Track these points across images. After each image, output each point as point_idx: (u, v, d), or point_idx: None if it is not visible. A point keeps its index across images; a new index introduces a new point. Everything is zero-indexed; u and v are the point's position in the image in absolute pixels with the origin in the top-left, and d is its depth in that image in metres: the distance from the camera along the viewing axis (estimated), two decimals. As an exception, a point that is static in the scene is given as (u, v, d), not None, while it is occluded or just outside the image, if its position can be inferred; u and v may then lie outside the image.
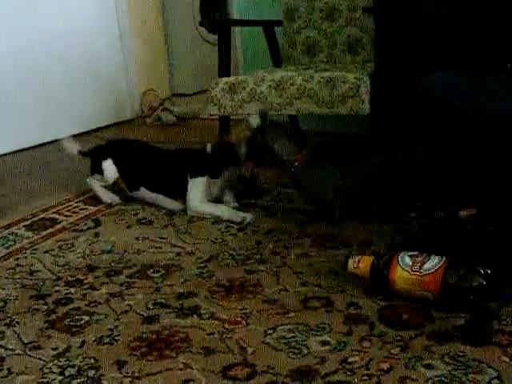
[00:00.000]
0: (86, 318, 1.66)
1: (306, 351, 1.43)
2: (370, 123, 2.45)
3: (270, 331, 1.52)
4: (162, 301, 1.73)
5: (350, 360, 1.38)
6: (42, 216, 2.54)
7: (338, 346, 1.44)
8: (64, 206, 2.66)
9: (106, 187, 2.63)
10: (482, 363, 1.33)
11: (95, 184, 2.64)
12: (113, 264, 2.01)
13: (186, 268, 1.94)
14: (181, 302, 1.71)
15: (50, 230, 2.38)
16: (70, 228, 2.38)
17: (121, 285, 1.85)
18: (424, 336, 1.45)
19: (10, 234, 2.36)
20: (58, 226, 2.41)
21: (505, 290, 1.54)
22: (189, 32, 5.50)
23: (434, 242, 1.84)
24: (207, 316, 1.62)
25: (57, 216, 2.53)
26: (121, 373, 1.39)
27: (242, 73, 3.69)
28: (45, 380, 1.39)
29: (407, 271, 1.59)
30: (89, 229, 2.36)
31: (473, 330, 1.42)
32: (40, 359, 1.47)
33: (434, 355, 1.37)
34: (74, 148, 2.75)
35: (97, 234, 2.29)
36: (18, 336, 1.59)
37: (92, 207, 2.60)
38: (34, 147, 3.95)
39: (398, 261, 1.62)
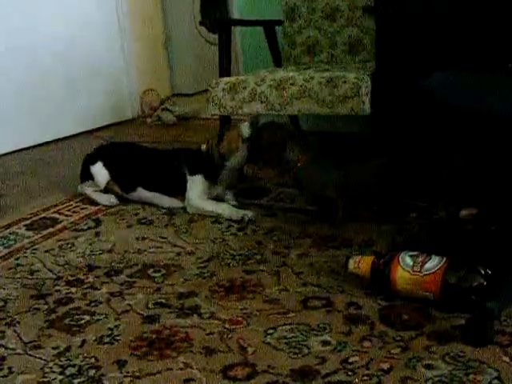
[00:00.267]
0: (87, 317, 1.66)
1: (306, 351, 1.43)
2: (370, 123, 2.45)
3: (270, 331, 1.52)
4: (163, 300, 1.73)
5: (351, 360, 1.38)
6: (42, 215, 2.54)
7: (338, 346, 1.44)
8: (64, 205, 2.66)
9: (100, 191, 2.63)
10: (482, 363, 1.33)
11: (88, 190, 2.64)
12: (113, 264, 2.01)
13: (186, 268, 1.94)
14: (181, 301, 1.71)
15: (51, 229, 2.38)
16: (70, 227, 2.38)
17: (121, 284, 1.85)
18: (424, 336, 1.45)
19: (10, 233, 2.36)
20: (59, 226, 2.41)
21: (506, 291, 1.54)
22: (189, 32, 5.50)
23: (434, 242, 1.84)
24: (208, 316, 1.62)
25: (57, 215, 2.53)
26: (121, 372, 1.39)
27: (242, 73, 3.69)
28: (45, 379, 1.39)
29: (408, 271, 1.59)
30: (89, 228, 2.36)
31: (473, 331, 1.42)
32: (40, 359, 1.47)
33: (434, 355, 1.37)
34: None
35: (97, 234, 2.29)
36: (19, 335, 1.59)
37: (92, 207, 2.60)
38: (35, 147, 3.95)
39: (398, 261, 1.62)
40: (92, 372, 1.40)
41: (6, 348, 1.53)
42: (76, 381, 1.38)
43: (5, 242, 2.27)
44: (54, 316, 1.68)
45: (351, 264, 1.71)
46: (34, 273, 1.98)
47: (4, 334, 1.60)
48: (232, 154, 2.41)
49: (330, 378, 1.32)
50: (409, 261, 1.61)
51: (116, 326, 1.60)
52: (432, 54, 2.14)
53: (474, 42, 2.06)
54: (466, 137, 1.92)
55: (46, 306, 1.74)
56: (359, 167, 2.16)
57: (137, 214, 2.48)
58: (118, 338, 1.54)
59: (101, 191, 2.62)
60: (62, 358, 1.47)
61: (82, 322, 1.64)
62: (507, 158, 1.84)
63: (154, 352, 1.47)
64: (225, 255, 2.01)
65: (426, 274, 1.57)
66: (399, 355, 1.38)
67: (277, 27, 3.21)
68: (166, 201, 2.50)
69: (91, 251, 2.13)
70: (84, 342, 1.54)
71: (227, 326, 1.57)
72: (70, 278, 1.92)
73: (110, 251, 2.12)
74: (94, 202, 2.62)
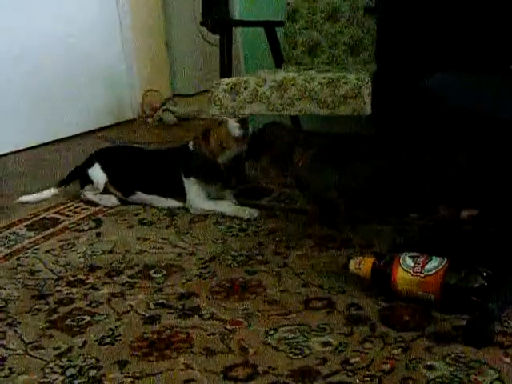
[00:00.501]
0: (88, 318, 1.66)
1: (307, 352, 1.43)
2: (371, 124, 2.45)
3: (271, 332, 1.52)
4: (164, 301, 1.73)
5: (352, 361, 1.38)
6: (43, 216, 2.54)
7: (339, 347, 1.44)
8: (65, 205, 2.66)
9: (100, 193, 2.64)
10: (483, 364, 1.33)
11: (89, 194, 2.65)
12: (114, 264, 2.01)
13: (187, 268, 1.94)
14: (182, 302, 1.71)
15: (52, 229, 2.38)
16: (71, 228, 2.38)
17: (122, 285, 1.85)
18: (425, 337, 1.45)
19: (11, 233, 2.36)
20: (60, 226, 2.41)
21: (506, 291, 1.54)
22: (190, 32, 5.50)
23: (435, 243, 1.84)
24: (208, 316, 1.62)
25: (58, 216, 2.53)
26: (122, 373, 1.39)
27: (243, 73, 3.69)
28: (46, 380, 1.39)
29: (409, 272, 1.59)
30: (90, 229, 2.36)
31: (474, 331, 1.42)
32: (41, 359, 1.47)
33: (435, 356, 1.38)
34: (45, 194, 2.75)
35: (98, 234, 2.29)
36: (20, 336, 1.59)
37: (93, 207, 2.60)
38: (36, 147, 3.95)
39: (399, 262, 1.62)
40: (93, 372, 1.40)
41: (7, 348, 1.53)
42: (77, 381, 1.38)
43: (6, 242, 2.27)
44: (54, 316, 1.68)
45: (352, 265, 1.71)
46: (35, 273, 1.98)
47: (5, 334, 1.60)
48: (221, 152, 2.42)
49: (331, 378, 1.32)
50: (409, 262, 1.61)
51: (117, 327, 1.60)
52: (433, 54, 2.14)
53: (474, 43, 2.06)
54: (466, 138, 1.92)
55: (46, 307, 1.74)
56: (360, 168, 2.15)
57: (138, 215, 2.48)
58: (118, 338, 1.54)
59: (100, 193, 2.63)
60: (62, 359, 1.47)
61: (83, 322, 1.64)
62: (507, 159, 1.84)
63: (154, 353, 1.47)
64: (226, 256, 2.01)
65: (427, 275, 1.57)
66: (400, 356, 1.39)
67: (277, 28, 3.21)
68: (166, 202, 2.51)
69: (92, 252, 2.13)
70: (85, 342, 1.54)
71: (228, 326, 1.57)
72: (70, 278, 1.93)
73: (110, 252, 2.12)
74: (94, 203, 2.62)
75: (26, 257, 2.12)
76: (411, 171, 2.04)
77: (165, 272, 1.92)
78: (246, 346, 1.47)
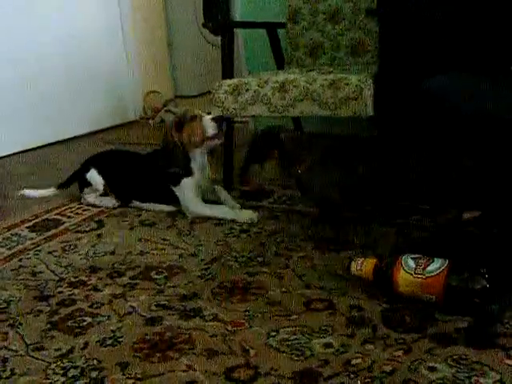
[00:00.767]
0: (89, 319, 1.66)
1: (308, 353, 1.43)
2: (373, 125, 2.45)
3: (272, 333, 1.52)
4: (165, 302, 1.73)
5: (353, 362, 1.38)
6: (45, 217, 2.54)
7: (340, 349, 1.44)
8: (67, 207, 2.66)
9: (100, 195, 2.65)
10: (484, 366, 1.33)
11: (89, 197, 2.66)
12: (116, 265, 2.01)
13: (188, 270, 1.94)
14: (184, 303, 1.71)
15: (53, 231, 2.38)
16: (72, 229, 2.39)
17: (124, 286, 1.85)
18: (427, 338, 1.45)
19: (12, 235, 2.37)
20: (61, 227, 2.41)
21: (509, 293, 1.54)
22: (192, 34, 5.52)
23: (437, 244, 1.84)
24: (210, 318, 1.62)
25: (60, 217, 2.54)
26: (124, 374, 1.39)
27: (245, 75, 3.69)
28: (48, 381, 1.39)
29: (410, 274, 1.59)
30: (92, 230, 2.36)
31: (476, 333, 1.42)
32: (43, 360, 1.47)
33: (437, 358, 1.37)
34: (43, 192, 2.80)
35: (100, 236, 2.30)
36: (21, 337, 1.59)
37: (95, 209, 2.61)
38: (38, 148, 3.96)
39: (401, 263, 1.62)
40: (94, 374, 1.40)
41: (9, 349, 1.53)
42: (78, 383, 1.38)
43: (7, 243, 2.27)
44: (56, 318, 1.68)
45: (354, 266, 1.71)
46: (37, 274, 1.98)
47: (6, 335, 1.60)
48: (191, 146, 2.42)
49: (333, 380, 1.32)
50: (411, 263, 1.61)
51: (118, 328, 1.60)
52: (435, 56, 2.13)
53: (476, 44, 2.06)
54: (468, 139, 1.91)
55: (48, 308, 1.74)
56: (362, 169, 2.15)
57: (139, 216, 2.48)
58: (120, 339, 1.54)
59: (100, 195, 2.64)
60: (64, 360, 1.47)
61: (85, 323, 1.64)
62: (509, 160, 1.84)
63: (156, 354, 1.47)
64: (227, 257, 2.02)
65: (429, 277, 1.57)
66: (402, 358, 1.38)
67: (279, 29, 3.21)
68: (162, 207, 2.53)
69: (94, 253, 2.13)
70: (86, 343, 1.54)
71: (230, 328, 1.57)
72: (72, 279, 1.93)
73: (112, 253, 2.12)
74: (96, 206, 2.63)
75: (28, 258, 2.12)
76: (413, 173, 2.04)
77: (166, 273, 1.92)
78: (248, 348, 1.47)
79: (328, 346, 1.45)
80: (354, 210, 2.22)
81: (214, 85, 2.60)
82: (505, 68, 1.96)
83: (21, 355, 1.50)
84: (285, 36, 3.23)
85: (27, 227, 2.44)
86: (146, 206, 2.56)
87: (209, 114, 2.45)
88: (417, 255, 1.64)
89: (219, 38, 3.00)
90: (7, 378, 1.41)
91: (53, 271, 2.00)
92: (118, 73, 4.60)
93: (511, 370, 1.31)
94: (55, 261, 2.08)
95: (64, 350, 1.51)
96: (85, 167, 2.68)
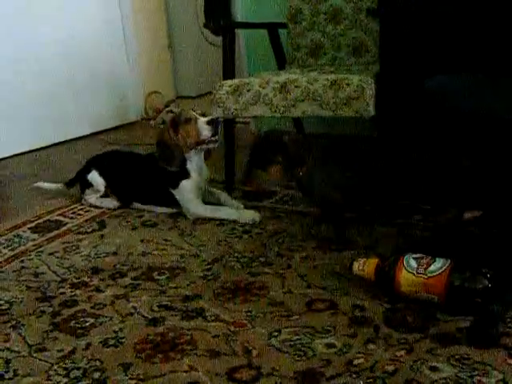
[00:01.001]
0: (91, 320, 1.66)
1: (311, 354, 1.43)
2: (374, 125, 2.45)
3: (275, 333, 1.52)
4: (167, 303, 1.73)
5: (355, 362, 1.38)
6: (47, 218, 2.55)
7: (343, 349, 1.44)
8: (69, 208, 2.66)
9: (101, 196, 2.66)
10: (487, 366, 1.33)
11: (90, 198, 2.67)
12: (118, 266, 2.01)
13: (190, 270, 1.94)
14: (186, 304, 1.71)
15: (55, 232, 2.38)
16: (74, 230, 2.39)
17: (126, 287, 1.85)
18: (429, 338, 1.45)
19: (15, 236, 2.37)
20: (63, 228, 2.42)
21: (511, 293, 1.54)
22: (193, 34, 5.52)
23: (438, 244, 1.84)
24: (212, 318, 1.62)
25: (62, 218, 2.54)
26: (126, 375, 1.40)
27: (246, 75, 3.69)
28: (50, 382, 1.39)
29: (412, 273, 1.59)
30: (94, 231, 2.36)
31: (478, 333, 1.42)
32: (45, 361, 1.48)
33: (439, 358, 1.37)
34: (51, 185, 2.85)
35: (102, 236, 2.30)
36: (24, 338, 1.59)
37: (97, 210, 2.61)
38: (39, 149, 3.96)
39: (403, 263, 1.62)
40: (97, 375, 1.41)
41: (11, 351, 1.53)
42: (81, 383, 1.38)
43: (9, 244, 2.28)
44: (58, 319, 1.68)
45: (356, 266, 1.71)
46: (39, 275, 1.98)
47: (9, 336, 1.60)
48: (189, 149, 2.41)
49: (335, 380, 1.32)
50: (413, 263, 1.61)
51: (120, 329, 1.60)
52: (436, 56, 2.13)
53: (476, 44, 2.06)
54: (469, 139, 1.92)
55: (50, 309, 1.74)
56: (363, 169, 2.15)
57: (141, 217, 2.48)
58: (122, 340, 1.54)
59: (101, 196, 2.65)
60: (66, 361, 1.47)
61: (87, 324, 1.64)
62: (509, 160, 1.84)
63: (158, 355, 1.47)
64: (229, 258, 2.02)
65: (431, 277, 1.57)
66: (404, 357, 1.38)
67: (280, 30, 3.21)
68: (163, 209, 2.53)
69: (96, 254, 2.13)
70: (89, 344, 1.54)
71: (232, 328, 1.57)
72: (74, 280, 1.93)
73: (114, 254, 2.12)
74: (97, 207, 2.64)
75: (30, 259, 2.12)
76: (414, 172, 2.04)
77: (168, 274, 1.93)
78: (250, 348, 1.47)
79: (330, 346, 1.46)
80: (355, 210, 2.22)
81: (215, 85, 2.60)
82: (505, 68, 1.96)
83: (23, 356, 1.51)
84: (286, 36, 3.23)
85: (29, 228, 2.44)
86: (147, 207, 2.56)
87: (203, 115, 2.43)
88: (418, 255, 1.64)
89: (220, 39, 3.00)
90: (10, 378, 1.42)
91: (55, 272, 2.00)
92: (119, 73, 4.60)
93: (513, 370, 1.31)
94: (57, 262, 2.08)
95: (66, 351, 1.51)
96: (86, 168, 2.69)
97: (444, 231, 1.99)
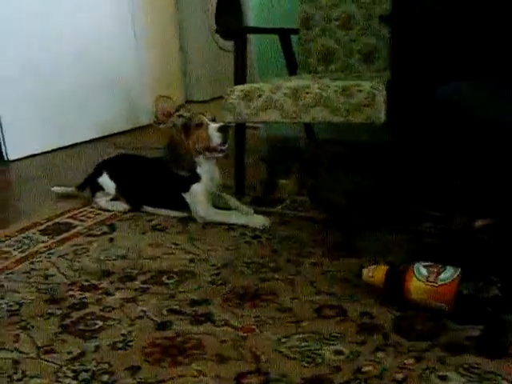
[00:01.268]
0: (100, 322, 1.67)
1: (319, 360, 1.42)
2: (385, 132, 2.45)
3: (283, 339, 1.52)
4: (176, 307, 1.73)
5: (364, 370, 1.37)
6: (56, 220, 2.55)
7: (351, 356, 1.43)
8: (79, 210, 2.67)
9: (112, 200, 2.67)
10: (497, 375, 1.32)
11: (101, 201, 2.68)
12: (127, 269, 2.02)
13: (199, 275, 1.94)
14: (194, 308, 1.71)
15: (65, 234, 2.39)
16: (84, 233, 2.40)
17: (135, 290, 1.86)
18: (438, 347, 1.44)
19: (25, 237, 2.38)
20: (73, 231, 2.42)
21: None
22: (204, 39, 5.53)
23: (449, 252, 1.83)
24: (221, 323, 1.62)
25: (72, 221, 2.55)
26: (134, 378, 1.39)
27: (257, 80, 3.70)
28: (58, 384, 1.40)
29: (422, 281, 1.58)
30: (103, 234, 2.37)
31: (488, 342, 1.41)
32: (54, 363, 1.48)
33: (448, 366, 1.37)
34: (67, 189, 2.89)
35: (111, 240, 2.30)
36: (33, 340, 1.59)
37: (106, 213, 2.62)
38: (50, 152, 3.98)
39: (413, 271, 1.61)
40: (105, 377, 1.41)
41: (20, 352, 1.54)
42: (89, 386, 1.39)
43: (19, 246, 2.28)
44: (67, 321, 1.68)
45: (365, 273, 1.71)
46: (49, 277, 1.99)
47: (18, 337, 1.61)
48: (199, 154, 2.43)
49: (343, 387, 1.32)
50: (423, 271, 1.60)
51: (129, 332, 1.60)
52: (448, 63, 2.13)
53: (490, 51, 2.05)
54: (482, 147, 1.91)
55: (59, 311, 1.74)
56: (373, 176, 2.15)
57: (151, 221, 2.49)
58: (131, 343, 1.55)
59: (112, 199, 2.65)
60: (75, 363, 1.47)
61: (96, 327, 1.64)
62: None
63: (166, 359, 1.47)
64: (238, 263, 2.01)
65: (441, 285, 1.56)
66: (413, 366, 1.38)
67: (292, 35, 3.22)
68: (173, 213, 2.53)
69: (105, 257, 2.14)
70: (97, 347, 1.54)
71: (240, 333, 1.56)
72: (84, 283, 1.93)
73: (123, 257, 2.13)
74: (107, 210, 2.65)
75: (40, 261, 2.13)
76: (425, 179, 2.04)
77: (177, 278, 1.93)
78: (258, 354, 1.46)
79: (339, 353, 1.45)
80: (364, 217, 2.22)
81: (225, 90, 2.61)
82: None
83: (32, 358, 1.51)
84: (297, 42, 3.23)
85: (39, 230, 2.45)
86: (157, 211, 2.56)
87: (213, 120, 2.44)
88: (429, 263, 1.63)
89: (231, 44, 3.01)
90: (18, 380, 1.42)
91: (64, 274, 2.01)
92: (130, 77, 4.62)
93: (523, 380, 1.30)
94: (67, 264, 2.09)
95: (75, 354, 1.51)
96: (97, 171, 2.70)
97: (454, 239, 1.99)
